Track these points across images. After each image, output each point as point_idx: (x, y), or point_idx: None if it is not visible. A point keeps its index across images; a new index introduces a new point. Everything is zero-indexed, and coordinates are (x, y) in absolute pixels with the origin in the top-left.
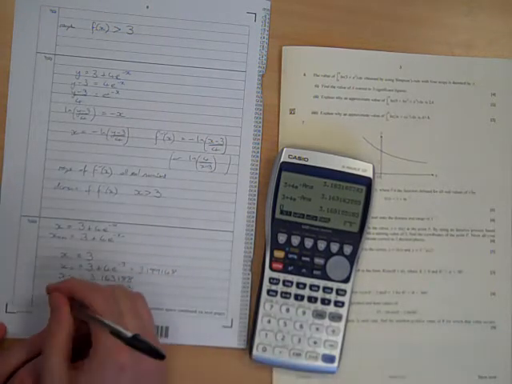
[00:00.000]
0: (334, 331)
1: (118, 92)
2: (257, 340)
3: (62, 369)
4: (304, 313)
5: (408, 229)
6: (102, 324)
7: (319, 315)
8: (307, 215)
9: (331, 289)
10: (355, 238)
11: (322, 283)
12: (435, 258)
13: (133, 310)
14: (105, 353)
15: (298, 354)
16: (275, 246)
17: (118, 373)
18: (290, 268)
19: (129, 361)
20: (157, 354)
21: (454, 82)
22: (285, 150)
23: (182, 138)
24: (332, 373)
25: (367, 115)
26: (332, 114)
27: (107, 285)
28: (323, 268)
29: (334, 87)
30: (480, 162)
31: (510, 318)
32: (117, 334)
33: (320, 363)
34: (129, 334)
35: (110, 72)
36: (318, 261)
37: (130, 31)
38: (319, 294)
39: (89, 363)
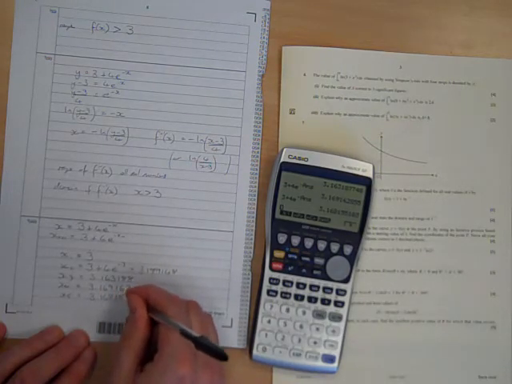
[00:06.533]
0: (334, 331)
1: (117, 92)
2: (257, 340)
3: (131, 369)
4: (304, 313)
5: (408, 229)
6: (173, 324)
7: (319, 315)
8: (307, 215)
9: (331, 289)
10: (355, 238)
11: (322, 283)
12: (435, 258)
13: (201, 324)
14: (168, 360)
15: (298, 354)
16: (275, 246)
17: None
18: (290, 268)
19: (189, 373)
20: (221, 355)
21: (454, 82)
22: (285, 150)
23: (182, 138)
24: (332, 373)
25: (367, 115)
26: (332, 114)
27: (182, 299)
28: (323, 268)
29: (334, 87)
30: (480, 161)
31: (510, 317)
32: (186, 334)
33: (320, 363)
34: (198, 334)
35: (109, 72)
36: (318, 261)
37: (130, 31)
38: (319, 294)
39: (151, 367)
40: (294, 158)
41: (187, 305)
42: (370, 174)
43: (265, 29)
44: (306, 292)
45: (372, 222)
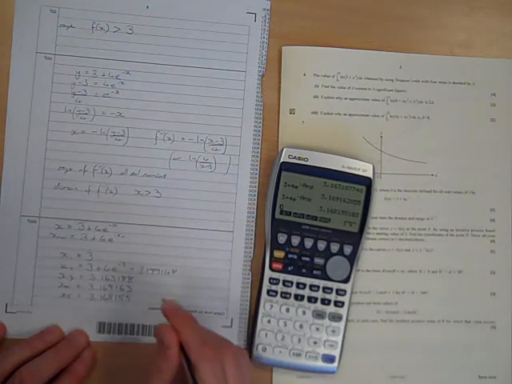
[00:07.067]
0: (334, 331)
1: (117, 92)
2: (257, 340)
3: None
4: (304, 313)
5: (408, 229)
6: None
7: (319, 315)
8: (307, 215)
9: (331, 289)
10: (355, 238)
11: (321, 283)
12: (435, 258)
13: (237, 379)
14: None
15: (298, 354)
16: (275, 246)
17: None
18: (290, 268)
19: None
20: None
21: (454, 82)
22: (285, 150)
23: (182, 138)
24: (332, 373)
25: (367, 115)
26: (332, 114)
27: (217, 341)
28: (323, 268)
29: (334, 87)
30: (480, 161)
31: (510, 317)
32: None
33: (320, 363)
34: None
35: (109, 72)
36: (318, 261)
37: (130, 31)
38: (319, 294)
39: None
40: (294, 157)
41: (224, 356)
42: (369, 174)
43: (265, 29)
44: (306, 292)
45: (372, 222)
